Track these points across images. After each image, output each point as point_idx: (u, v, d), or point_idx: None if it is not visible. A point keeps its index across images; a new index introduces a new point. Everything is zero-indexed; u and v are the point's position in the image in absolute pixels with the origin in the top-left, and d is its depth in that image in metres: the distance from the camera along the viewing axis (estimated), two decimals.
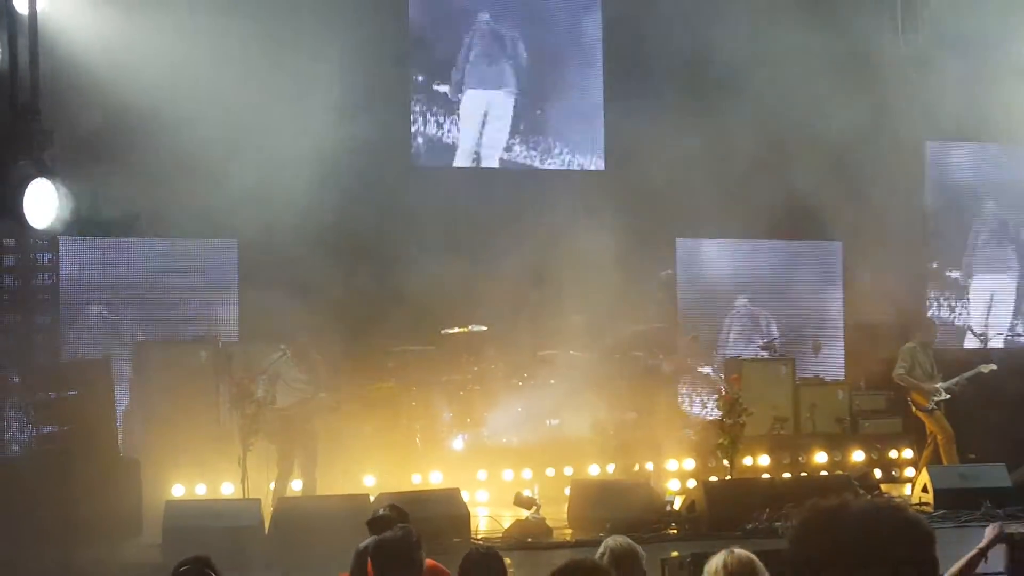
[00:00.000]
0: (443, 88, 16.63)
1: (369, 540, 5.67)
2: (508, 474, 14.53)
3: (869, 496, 12.22)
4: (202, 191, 12.82)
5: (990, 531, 5.13)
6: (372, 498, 11.69)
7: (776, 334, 16.97)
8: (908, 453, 15.49)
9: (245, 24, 13.48)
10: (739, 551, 4.62)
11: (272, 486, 12.86)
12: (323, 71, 13.94)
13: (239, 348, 14.00)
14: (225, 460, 12.73)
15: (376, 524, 5.86)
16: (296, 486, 13.12)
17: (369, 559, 5.54)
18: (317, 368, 13.22)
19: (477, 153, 16.89)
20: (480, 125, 16.88)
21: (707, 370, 16.32)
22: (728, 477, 13.21)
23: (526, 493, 12.70)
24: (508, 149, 16.96)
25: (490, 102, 16.88)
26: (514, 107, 16.93)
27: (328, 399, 13.24)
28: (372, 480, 13.67)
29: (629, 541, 5.42)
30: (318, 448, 13.13)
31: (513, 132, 16.94)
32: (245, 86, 13.23)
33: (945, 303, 17.57)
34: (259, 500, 11.94)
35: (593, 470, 14.61)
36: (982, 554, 5.12)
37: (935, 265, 17.59)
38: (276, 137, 13.36)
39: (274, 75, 13.63)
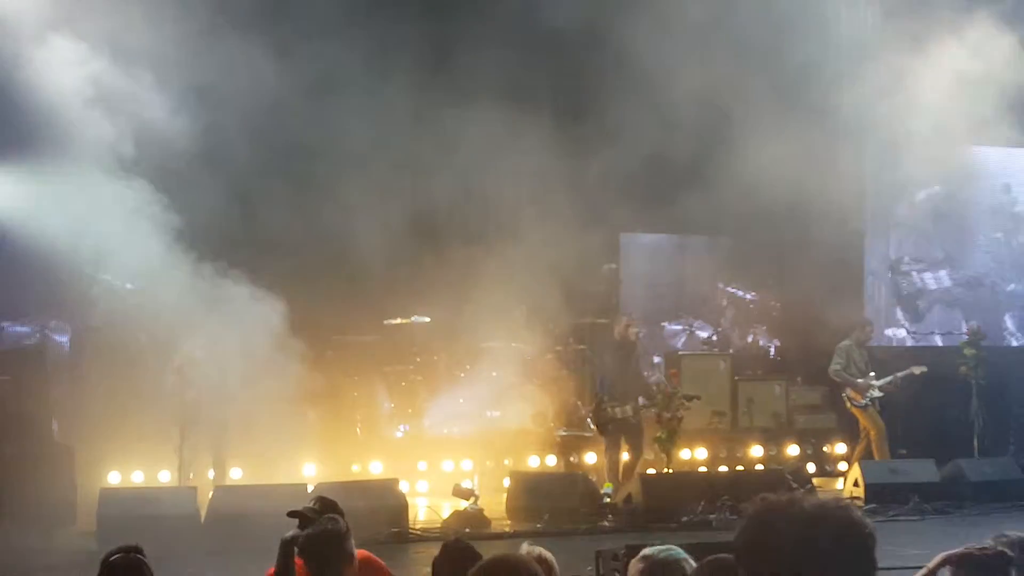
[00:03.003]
0: None
1: (294, 531, 5.63)
2: (448, 465, 14.57)
3: (816, 494, 12.43)
4: None
5: (939, 557, 5.19)
6: (310, 487, 11.67)
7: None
8: (841, 448, 15.73)
9: None
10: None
11: (211, 474, 12.78)
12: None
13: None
14: (163, 447, 12.63)
15: (300, 516, 5.81)
16: (210, 474, 12.93)
17: (298, 553, 5.50)
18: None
19: None
20: None
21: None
22: (665, 470, 13.31)
23: (465, 484, 12.75)
24: None
25: None
26: None
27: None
28: (312, 469, 13.64)
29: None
30: (228, 437, 12.98)
31: None
32: None
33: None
34: (195, 488, 11.88)
35: (532, 462, 14.70)
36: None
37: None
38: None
39: None
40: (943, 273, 17.92)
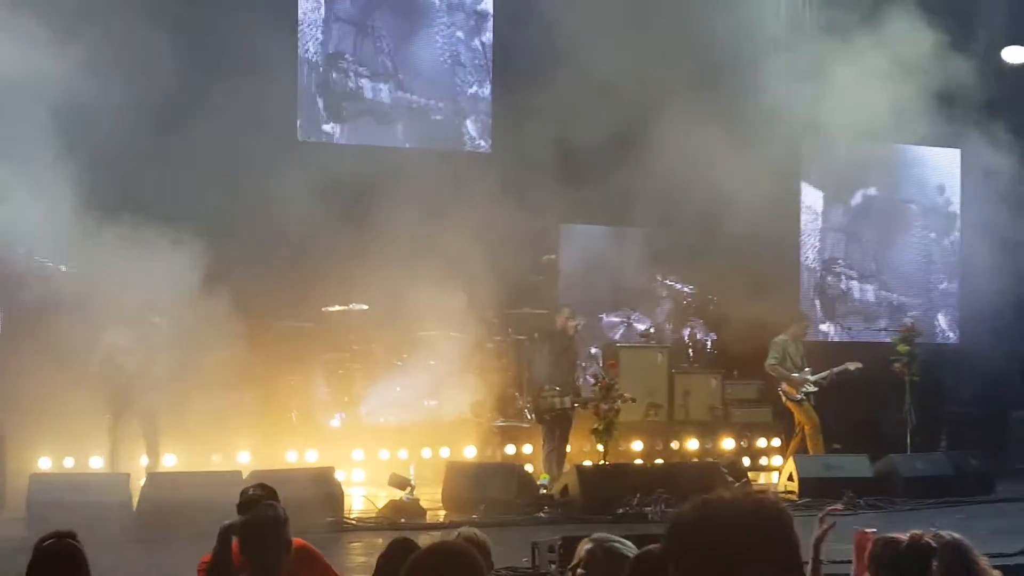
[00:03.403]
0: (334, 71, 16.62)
1: (234, 519, 5.58)
2: (384, 454, 14.51)
3: (736, 487, 12.53)
4: None
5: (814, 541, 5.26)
6: (245, 475, 11.55)
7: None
8: (776, 442, 15.91)
9: None
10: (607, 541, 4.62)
11: (144, 461, 12.62)
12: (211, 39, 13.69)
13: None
14: (96, 433, 12.45)
15: (245, 506, 5.77)
16: (143, 461, 12.76)
17: (235, 538, 5.46)
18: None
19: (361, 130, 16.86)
20: (367, 104, 16.85)
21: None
22: (602, 462, 13.36)
23: (401, 474, 12.68)
24: (389, 124, 16.93)
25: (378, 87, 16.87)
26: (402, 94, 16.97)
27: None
28: (247, 456, 13.52)
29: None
30: (160, 423, 12.85)
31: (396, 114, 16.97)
32: None
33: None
34: (128, 475, 11.72)
35: (469, 452, 14.69)
36: (819, 542, 5.28)
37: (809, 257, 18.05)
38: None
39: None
40: (869, 287, 18.25)
